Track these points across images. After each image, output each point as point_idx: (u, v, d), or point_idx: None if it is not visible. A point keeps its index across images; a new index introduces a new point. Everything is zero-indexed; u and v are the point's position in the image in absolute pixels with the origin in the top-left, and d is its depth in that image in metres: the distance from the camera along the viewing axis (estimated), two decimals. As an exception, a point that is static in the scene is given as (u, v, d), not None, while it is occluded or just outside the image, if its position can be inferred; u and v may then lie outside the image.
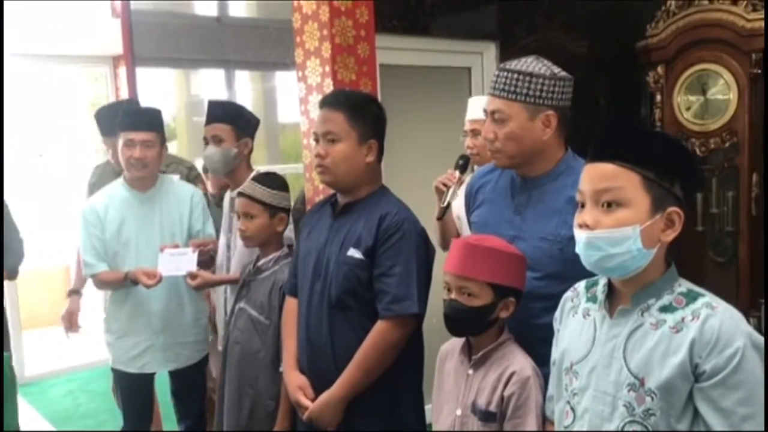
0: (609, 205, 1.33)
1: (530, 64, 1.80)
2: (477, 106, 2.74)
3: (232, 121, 2.82)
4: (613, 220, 1.32)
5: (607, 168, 1.34)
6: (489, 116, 1.84)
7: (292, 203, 2.79)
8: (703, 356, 1.27)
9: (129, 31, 4.72)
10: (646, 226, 1.32)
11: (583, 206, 1.39)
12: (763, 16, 3.42)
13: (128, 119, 2.80)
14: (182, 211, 2.90)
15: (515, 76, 1.78)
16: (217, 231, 3.03)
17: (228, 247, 2.82)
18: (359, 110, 2.08)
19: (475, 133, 2.79)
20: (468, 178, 2.64)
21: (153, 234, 2.83)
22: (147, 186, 2.86)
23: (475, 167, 2.83)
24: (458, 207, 2.68)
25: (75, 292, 3.41)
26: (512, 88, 1.78)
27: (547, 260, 1.78)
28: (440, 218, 2.75)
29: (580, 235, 1.36)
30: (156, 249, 2.76)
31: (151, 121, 2.82)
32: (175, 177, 3.25)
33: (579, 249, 1.37)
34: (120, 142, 2.79)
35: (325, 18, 2.98)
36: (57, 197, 6.17)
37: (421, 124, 3.31)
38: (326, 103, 2.12)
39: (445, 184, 2.68)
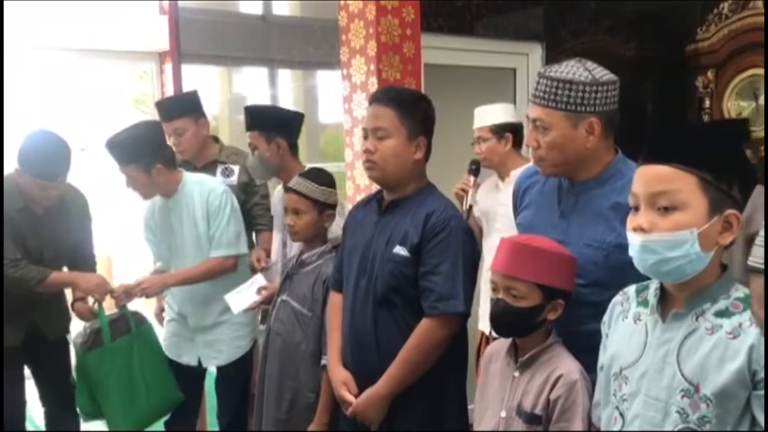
0: (666, 208, 1.30)
1: (571, 69, 1.74)
2: (480, 115, 3.15)
3: (259, 125, 2.86)
4: (670, 223, 1.29)
5: (663, 170, 1.31)
6: (531, 124, 1.80)
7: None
8: (763, 363, 1.23)
9: (176, 28, 4.78)
10: (703, 230, 1.28)
11: (636, 209, 1.35)
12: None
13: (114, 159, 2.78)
14: (197, 215, 2.85)
15: (555, 83, 1.73)
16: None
17: (284, 244, 2.84)
18: (410, 107, 2.07)
19: (480, 140, 3.12)
20: (484, 176, 3.06)
21: (183, 239, 2.86)
22: (169, 193, 2.85)
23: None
24: (481, 202, 3.13)
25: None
26: (552, 96, 1.73)
27: (591, 267, 1.74)
28: (465, 220, 2.78)
29: (635, 239, 1.33)
30: (187, 251, 2.83)
31: (123, 157, 2.77)
32: (235, 168, 3.29)
33: (633, 252, 1.34)
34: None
35: (372, 16, 2.99)
36: (99, 190, 6.27)
37: (465, 124, 3.29)
38: (377, 99, 2.11)
39: (463, 190, 3.00)
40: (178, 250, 2.86)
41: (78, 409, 2.84)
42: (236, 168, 3.26)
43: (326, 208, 2.45)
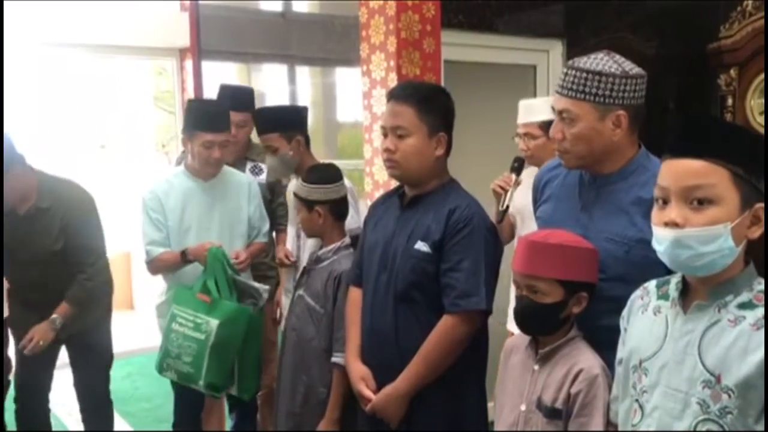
0: (700, 202, 1.29)
1: (600, 61, 1.73)
2: (528, 110, 2.85)
3: (278, 127, 2.87)
4: (705, 217, 1.28)
5: (696, 164, 1.30)
6: (557, 116, 1.78)
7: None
8: None
9: (196, 25, 4.82)
10: (736, 223, 1.28)
11: (664, 203, 1.34)
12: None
13: (206, 120, 2.79)
14: (241, 201, 2.94)
15: (584, 75, 1.72)
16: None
17: (297, 236, 2.86)
18: (429, 103, 2.04)
19: (527, 136, 2.84)
20: (523, 174, 2.79)
21: (213, 222, 2.87)
22: (210, 176, 2.89)
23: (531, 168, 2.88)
24: (516, 200, 2.81)
25: None
26: (581, 88, 1.72)
27: (612, 261, 1.72)
28: (500, 221, 2.73)
29: (666, 234, 1.31)
30: (215, 236, 2.81)
31: (227, 121, 2.86)
32: (264, 166, 3.31)
33: (663, 248, 1.32)
34: (196, 142, 2.79)
35: (392, 12, 2.99)
36: (118, 187, 6.32)
37: (485, 121, 3.29)
38: (394, 96, 2.08)
39: (502, 187, 2.76)
40: (197, 232, 2.84)
41: (214, 388, 2.76)
42: (265, 166, 3.29)
43: (314, 205, 2.44)
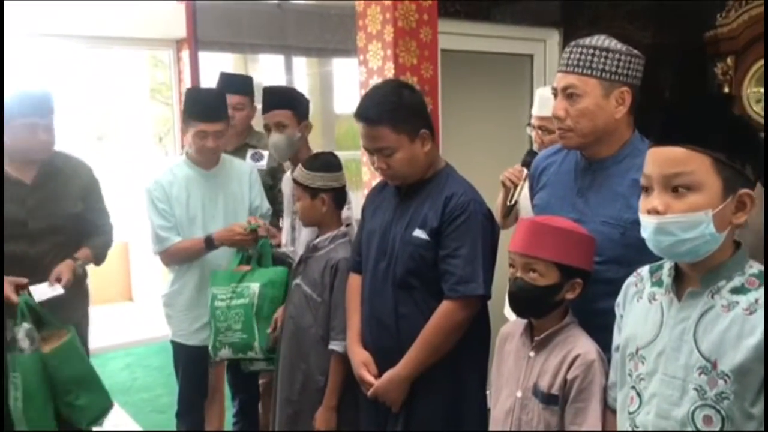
0: (680, 189, 1.30)
1: (605, 41, 1.77)
2: (546, 102, 2.54)
3: (292, 105, 2.84)
4: (685, 204, 1.29)
5: (676, 152, 1.30)
6: (560, 93, 1.80)
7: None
8: None
9: (193, 16, 4.80)
10: (718, 210, 1.28)
11: (649, 191, 1.35)
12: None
13: (199, 110, 2.78)
14: (243, 188, 2.97)
15: (590, 51, 1.75)
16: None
17: (293, 228, 2.86)
18: (399, 113, 2.03)
19: (543, 129, 2.69)
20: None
21: (217, 210, 2.89)
22: (211, 164, 2.91)
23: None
24: (524, 197, 2.56)
25: None
26: (587, 63, 1.75)
27: (608, 244, 1.75)
28: (507, 216, 2.70)
29: (649, 221, 1.32)
30: (220, 225, 2.83)
31: (222, 110, 2.85)
32: (265, 153, 3.31)
33: (647, 235, 1.34)
34: (191, 132, 2.80)
35: (389, 1, 2.98)
36: (115, 180, 6.32)
37: (481, 110, 3.29)
38: (363, 118, 2.06)
39: (512, 181, 2.64)
40: (203, 221, 2.85)
41: (271, 350, 2.69)
42: (266, 153, 3.28)
43: (318, 193, 2.43)
